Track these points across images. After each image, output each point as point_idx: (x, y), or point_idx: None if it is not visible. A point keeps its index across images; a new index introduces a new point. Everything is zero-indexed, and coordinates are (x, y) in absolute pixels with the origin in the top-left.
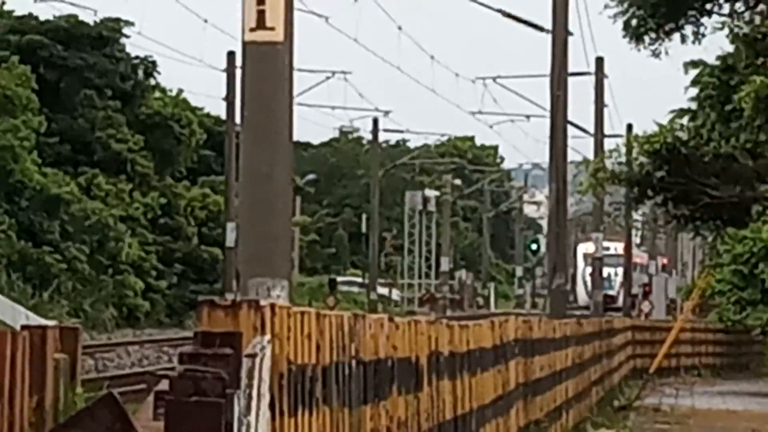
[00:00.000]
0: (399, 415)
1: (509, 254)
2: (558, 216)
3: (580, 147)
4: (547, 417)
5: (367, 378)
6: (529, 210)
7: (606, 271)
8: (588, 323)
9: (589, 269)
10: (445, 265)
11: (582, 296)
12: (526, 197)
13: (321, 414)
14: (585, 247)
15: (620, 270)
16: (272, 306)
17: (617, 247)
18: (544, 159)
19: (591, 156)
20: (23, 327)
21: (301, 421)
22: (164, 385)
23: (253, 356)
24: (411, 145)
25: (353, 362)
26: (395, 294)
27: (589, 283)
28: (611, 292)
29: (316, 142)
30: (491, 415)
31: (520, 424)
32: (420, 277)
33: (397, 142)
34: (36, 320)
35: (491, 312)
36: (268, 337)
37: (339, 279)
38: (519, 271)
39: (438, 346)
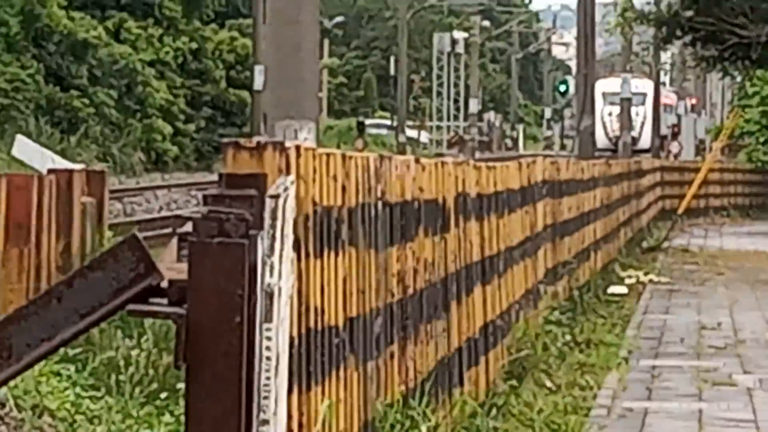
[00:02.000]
0: (426, 256)
1: (537, 96)
2: (586, 57)
3: None
4: (576, 258)
5: (393, 219)
6: (558, 51)
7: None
8: (616, 164)
9: (608, 108)
10: (474, 106)
11: (601, 138)
12: (554, 38)
13: (347, 255)
14: (604, 85)
15: (642, 109)
16: (297, 147)
17: (639, 85)
18: (571, 0)
19: None
20: (50, 171)
21: (328, 262)
22: (188, 227)
23: (276, 197)
24: None
25: (379, 204)
26: (424, 136)
27: (608, 124)
28: (633, 134)
29: None
30: (519, 256)
31: (548, 266)
32: (448, 119)
33: None
34: (63, 164)
35: (520, 154)
36: (291, 177)
37: (367, 122)
38: (547, 113)
39: (465, 187)
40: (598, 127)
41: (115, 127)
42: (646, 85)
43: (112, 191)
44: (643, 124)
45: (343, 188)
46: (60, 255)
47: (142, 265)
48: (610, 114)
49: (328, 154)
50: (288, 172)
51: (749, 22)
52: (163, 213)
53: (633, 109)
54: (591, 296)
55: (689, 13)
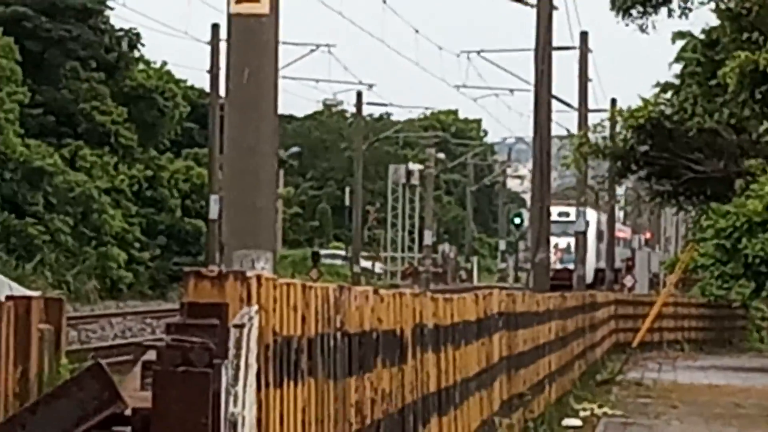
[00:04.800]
0: (383, 387)
1: (492, 228)
2: (541, 190)
3: (564, 121)
4: (531, 390)
5: (352, 350)
6: (513, 184)
7: (565, 240)
8: (571, 297)
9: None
10: (428, 238)
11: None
12: (509, 171)
13: (306, 385)
14: (554, 213)
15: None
16: (258, 277)
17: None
18: (527, 133)
19: (575, 130)
20: (8, 298)
21: (287, 392)
22: (151, 355)
23: (241, 326)
24: (395, 118)
25: (338, 334)
26: (378, 267)
27: (552, 256)
28: (570, 266)
29: (300, 115)
30: (475, 387)
31: (504, 397)
32: (403, 250)
33: (381, 115)
34: (20, 291)
35: (474, 285)
36: (255, 307)
37: (322, 252)
38: (502, 245)
39: (422, 318)
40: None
41: (71, 254)
42: (588, 215)
43: (67, 318)
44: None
45: (303, 318)
46: (17, 382)
47: (106, 393)
48: (555, 246)
49: (288, 284)
50: (249, 302)
51: (704, 158)
52: (119, 341)
53: (571, 239)
54: (546, 428)
55: (644, 148)
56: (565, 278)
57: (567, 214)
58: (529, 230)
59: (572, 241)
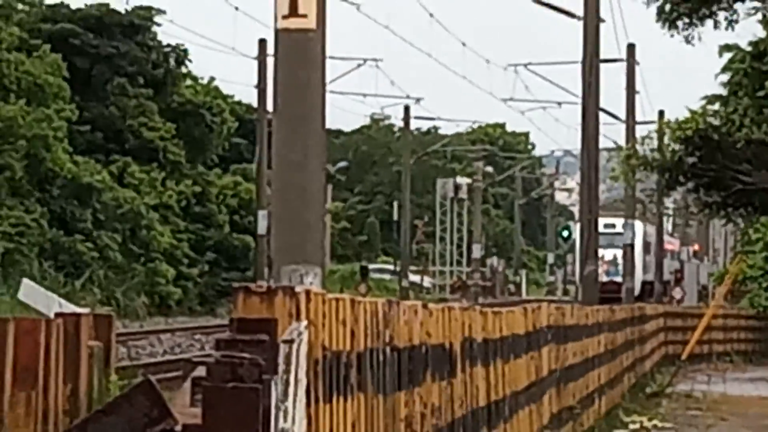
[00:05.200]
0: (433, 401)
1: (541, 241)
2: (589, 202)
3: (611, 134)
4: (580, 403)
5: (401, 364)
6: (561, 197)
7: (611, 252)
8: (620, 310)
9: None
10: (477, 252)
11: None
12: (557, 184)
13: (356, 400)
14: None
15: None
16: (307, 292)
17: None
18: (575, 146)
19: (623, 143)
20: (57, 315)
21: (336, 407)
22: (201, 371)
23: (290, 342)
24: (442, 132)
25: (387, 349)
26: (427, 281)
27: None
28: (617, 279)
29: (347, 129)
30: (524, 401)
31: (553, 411)
32: (452, 264)
33: (429, 129)
34: (70, 308)
35: (523, 299)
36: (305, 322)
37: (371, 266)
38: (550, 258)
39: (471, 332)
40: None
41: (119, 270)
42: (635, 227)
43: (117, 335)
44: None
45: (352, 333)
46: (67, 399)
47: (156, 409)
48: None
49: (337, 299)
50: (298, 317)
51: (752, 169)
52: (168, 357)
53: (619, 251)
54: None
55: (692, 160)
56: (612, 291)
57: (613, 226)
58: (577, 243)
59: (619, 253)
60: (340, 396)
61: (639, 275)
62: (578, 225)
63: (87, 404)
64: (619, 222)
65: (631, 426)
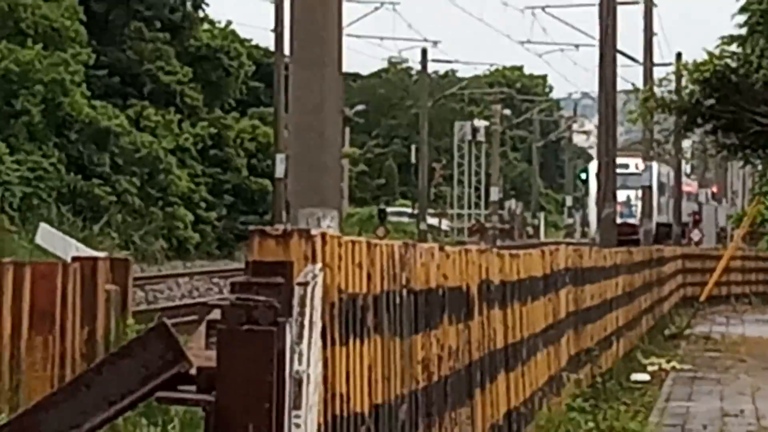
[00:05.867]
0: (450, 344)
1: (559, 184)
2: (607, 145)
3: (629, 76)
4: (598, 346)
5: (418, 307)
6: (579, 139)
7: (624, 193)
8: (638, 252)
9: None
10: (495, 195)
11: (595, 227)
12: (575, 126)
13: (372, 343)
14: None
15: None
16: (323, 235)
17: (638, 164)
18: (593, 88)
19: (640, 85)
20: (74, 259)
21: (353, 350)
22: (216, 314)
23: (305, 284)
24: (460, 75)
25: (404, 291)
26: (445, 224)
27: None
28: (631, 220)
29: (365, 72)
30: (542, 343)
31: (571, 353)
32: (469, 207)
33: (446, 72)
34: (87, 252)
35: (541, 242)
36: (320, 265)
37: (388, 209)
38: (569, 201)
39: (489, 275)
40: (592, 213)
41: (137, 215)
42: (652, 168)
43: (134, 279)
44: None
45: (369, 276)
46: (84, 343)
47: (170, 352)
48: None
49: (353, 242)
50: (314, 260)
51: None
52: (186, 301)
53: (632, 193)
54: (613, 383)
55: (710, 102)
56: (626, 233)
57: (626, 166)
58: (591, 185)
59: (632, 194)
60: (357, 339)
61: (653, 217)
62: (590, 165)
63: (104, 348)
64: (632, 162)
65: (650, 368)
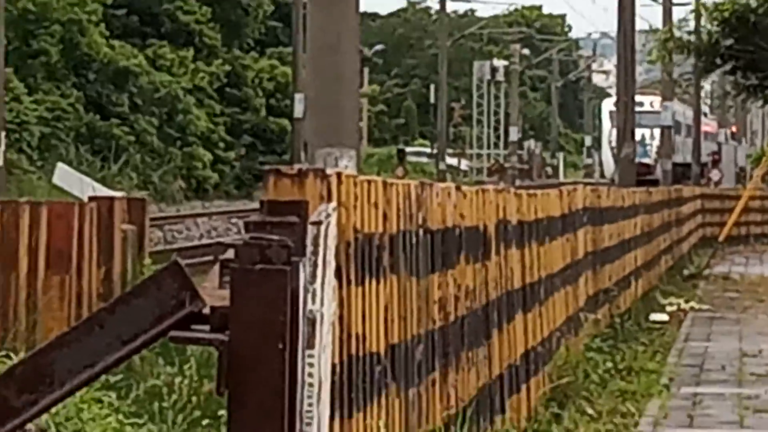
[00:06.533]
0: (467, 283)
1: (578, 124)
2: (626, 84)
3: (648, 15)
4: (616, 286)
5: (434, 246)
6: (598, 79)
7: (639, 132)
8: (657, 192)
9: (616, 131)
10: (514, 135)
11: (609, 167)
12: (594, 66)
13: (389, 282)
14: (611, 103)
15: (658, 131)
16: (338, 175)
17: (656, 102)
18: (612, 28)
19: (660, 25)
20: (91, 198)
21: (369, 289)
22: (230, 254)
23: (317, 224)
24: (479, 14)
25: (420, 231)
26: (464, 164)
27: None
28: (646, 160)
29: (384, 12)
30: (560, 283)
31: (589, 293)
32: (489, 147)
33: (465, 12)
34: (103, 192)
35: (560, 182)
36: (333, 204)
37: (407, 149)
38: (588, 141)
39: (506, 214)
40: (605, 153)
41: (156, 155)
42: (672, 107)
43: (152, 219)
44: (659, 149)
45: (384, 215)
46: (101, 282)
47: (184, 291)
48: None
49: (369, 182)
50: (329, 200)
51: None
52: (204, 241)
53: (647, 132)
54: (632, 324)
55: (729, 42)
56: (641, 173)
57: (641, 104)
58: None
59: (647, 132)
60: (373, 278)
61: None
62: (603, 103)
63: (121, 287)
64: (646, 100)
65: (668, 308)
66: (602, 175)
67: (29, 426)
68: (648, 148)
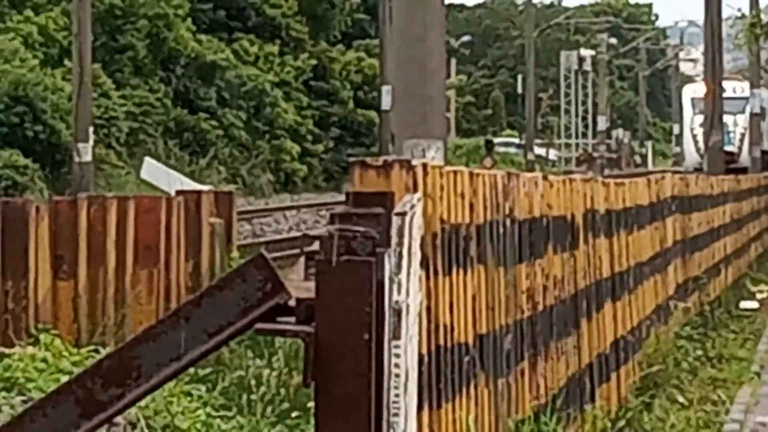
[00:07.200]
0: (555, 273)
1: (666, 112)
2: (714, 72)
3: (735, 2)
4: (706, 273)
5: (522, 236)
6: (686, 67)
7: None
8: (746, 179)
9: (699, 118)
10: (602, 124)
11: (691, 155)
12: (682, 54)
13: (476, 273)
14: (693, 90)
15: (741, 118)
16: (424, 165)
17: (740, 88)
18: (699, 16)
19: (747, 11)
20: (178, 192)
21: (456, 279)
22: (316, 246)
23: (402, 215)
24: (565, 4)
25: (507, 221)
26: (552, 154)
27: (700, 137)
28: (730, 148)
29: (470, 3)
30: (649, 272)
31: (679, 281)
32: (577, 137)
33: (551, 1)
34: (191, 186)
35: (648, 170)
36: (418, 195)
37: (496, 140)
38: (676, 129)
39: (594, 204)
40: (686, 142)
41: (244, 148)
42: (745, 89)
43: (241, 212)
44: (743, 136)
45: (471, 206)
46: (189, 276)
47: (269, 284)
48: (701, 125)
49: (455, 172)
50: (415, 190)
51: None
52: (292, 233)
53: (730, 118)
54: (722, 311)
55: None
56: (726, 162)
57: (723, 90)
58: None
59: (729, 119)
60: (460, 269)
61: (744, 144)
62: (684, 90)
63: (209, 281)
64: (729, 86)
65: (759, 295)
66: (683, 165)
67: (118, 419)
68: (731, 135)
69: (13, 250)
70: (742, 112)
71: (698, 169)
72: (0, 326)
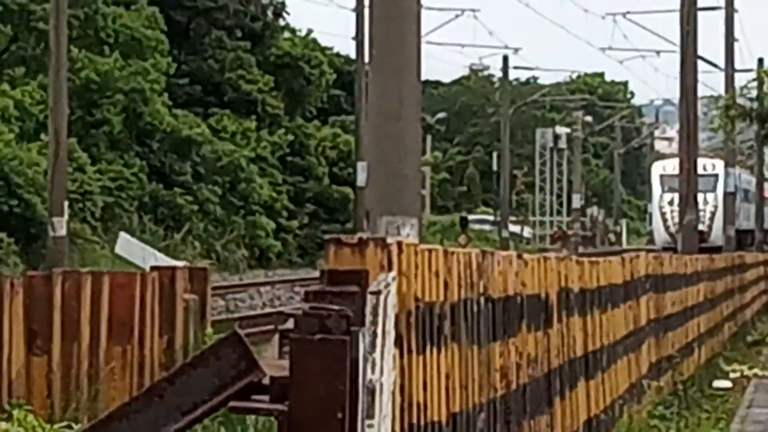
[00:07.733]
0: (529, 351)
1: (641, 190)
2: (689, 152)
3: (710, 82)
4: (679, 353)
5: (496, 315)
6: (661, 146)
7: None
8: (720, 259)
9: (668, 196)
10: (577, 202)
11: (660, 233)
12: (657, 133)
13: (450, 351)
14: (662, 167)
15: (712, 196)
16: (399, 243)
17: (710, 165)
18: (674, 95)
19: (722, 91)
20: (153, 268)
21: (430, 358)
22: (290, 323)
23: (377, 293)
24: (541, 82)
25: (482, 299)
26: (527, 232)
27: (669, 215)
28: (700, 227)
29: (446, 80)
30: (622, 351)
31: (652, 360)
32: (551, 214)
33: (527, 79)
34: (165, 261)
35: (623, 248)
36: (393, 273)
37: (470, 217)
38: (650, 207)
39: (568, 282)
40: (656, 220)
41: (219, 223)
42: (716, 166)
43: (215, 288)
44: (713, 214)
45: (446, 284)
46: (163, 352)
47: (243, 361)
48: (670, 203)
49: (430, 250)
50: (390, 269)
51: None
52: (267, 309)
53: (700, 196)
54: (695, 391)
55: None
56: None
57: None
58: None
59: (699, 197)
60: (434, 347)
61: (719, 223)
62: (653, 167)
63: (183, 357)
64: (699, 163)
65: (732, 375)
66: (652, 243)
67: None
68: (702, 213)
69: None
70: (713, 190)
71: (668, 248)
72: None
